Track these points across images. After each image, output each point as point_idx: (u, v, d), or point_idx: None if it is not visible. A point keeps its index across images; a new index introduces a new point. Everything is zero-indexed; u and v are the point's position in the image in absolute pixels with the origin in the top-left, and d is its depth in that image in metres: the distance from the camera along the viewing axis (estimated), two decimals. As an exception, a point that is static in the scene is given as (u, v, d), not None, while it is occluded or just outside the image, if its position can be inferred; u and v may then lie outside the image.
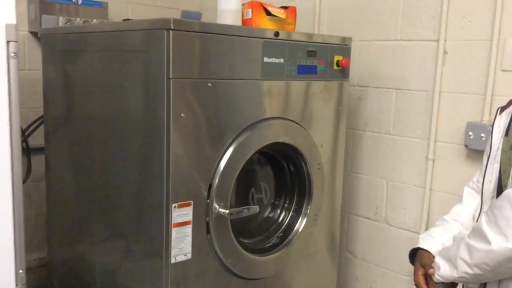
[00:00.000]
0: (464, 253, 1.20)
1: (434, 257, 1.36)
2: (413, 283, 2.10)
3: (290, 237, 1.88)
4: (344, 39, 1.92)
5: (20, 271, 1.07)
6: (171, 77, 1.42)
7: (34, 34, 2.31)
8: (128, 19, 1.82)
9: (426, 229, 2.07)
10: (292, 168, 1.90)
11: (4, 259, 1.03)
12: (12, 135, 1.08)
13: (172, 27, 1.40)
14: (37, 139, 2.19)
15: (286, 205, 1.93)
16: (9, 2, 0.98)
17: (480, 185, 1.39)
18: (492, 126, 1.36)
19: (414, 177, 2.12)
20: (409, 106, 2.11)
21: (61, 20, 2.28)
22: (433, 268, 1.32)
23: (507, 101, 1.38)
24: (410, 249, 1.49)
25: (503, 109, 1.36)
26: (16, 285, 1.07)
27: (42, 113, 2.13)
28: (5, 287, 1.03)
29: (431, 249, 1.38)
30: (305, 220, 1.90)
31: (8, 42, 0.98)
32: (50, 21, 2.24)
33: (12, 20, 1.01)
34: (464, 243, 1.21)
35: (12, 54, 1.01)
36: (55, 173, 2.08)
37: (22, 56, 2.26)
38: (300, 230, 1.89)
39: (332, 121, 1.95)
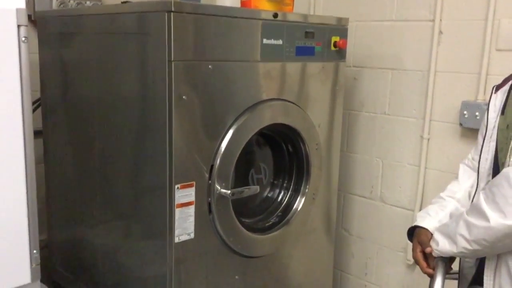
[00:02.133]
0: (463, 229, 1.24)
1: (431, 234, 1.39)
2: (407, 259, 2.17)
3: (289, 216, 1.91)
4: (341, 20, 1.93)
5: (34, 251, 1.09)
6: (172, 59, 1.42)
7: (28, 17, 2.27)
8: (126, 1, 1.81)
9: (421, 206, 2.12)
10: (290, 149, 1.93)
11: (19, 239, 1.05)
12: (24, 120, 1.09)
13: (173, 9, 1.40)
14: (34, 122, 2.18)
15: (285, 185, 1.96)
16: (18, -14, 0.98)
17: (475, 162, 1.42)
18: (488, 104, 1.38)
19: (409, 156, 2.16)
20: (405, 86, 2.13)
21: (55, 3, 2.25)
22: (430, 246, 1.36)
23: (502, 79, 1.40)
24: (404, 226, 1.53)
25: (498, 87, 1.37)
26: (31, 265, 1.09)
27: (38, 96, 2.12)
28: (20, 266, 1.05)
29: (428, 227, 1.41)
30: (303, 199, 1.93)
31: (19, 26, 0.98)
32: (44, 3, 2.21)
33: (22, 4, 1.01)
34: (463, 219, 1.25)
35: (23, 39, 1.01)
36: (53, 156, 2.08)
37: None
38: (298, 209, 1.93)
39: (329, 101, 1.97)
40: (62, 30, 1.93)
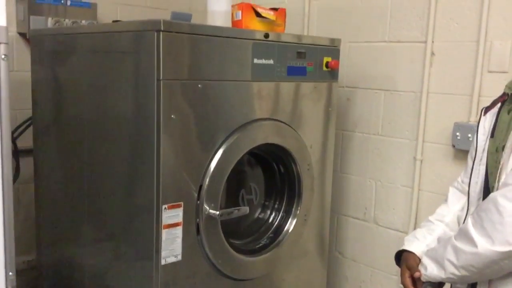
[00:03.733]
0: (451, 255, 1.22)
1: (419, 259, 1.37)
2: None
3: (280, 237, 1.89)
4: (333, 40, 1.93)
5: (10, 273, 1.06)
6: (161, 78, 1.42)
7: (22, 35, 2.29)
8: (117, 20, 1.82)
9: (414, 229, 2.08)
10: (282, 169, 1.91)
11: (-7, 261, 1.02)
12: (2, 138, 1.07)
13: (162, 29, 1.40)
14: (26, 141, 2.18)
15: (276, 206, 1.94)
16: (-1, 4, 0.98)
17: (465, 185, 1.40)
18: (477, 127, 1.37)
19: (403, 177, 2.14)
20: (398, 107, 2.13)
21: (50, 21, 2.27)
22: (419, 271, 1.33)
23: (491, 101, 1.38)
24: (398, 248, 1.50)
25: (487, 109, 1.36)
26: (6, 287, 1.06)
27: (30, 115, 2.12)
28: (-5, 289, 1.03)
29: (416, 251, 1.39)
30: (295, 220, 1.91)
31: (-2, 44, 0.98)
32: (39, 22, 2.23)
33: (2, 22, 1.00)
34: (451, 244, 1.22)
35: (3, 56, 1.00)
36: (44, 175, 2.07)
37: (11, 57, 2.23)
38: (290, 230, 1.90)
39: (321, 122, 1.96)
40: (56, 49, 1.94)
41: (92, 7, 2.39)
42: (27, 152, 2.17)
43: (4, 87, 1.01)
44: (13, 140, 2.15)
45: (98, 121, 1.73)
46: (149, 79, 1.45)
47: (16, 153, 2.16)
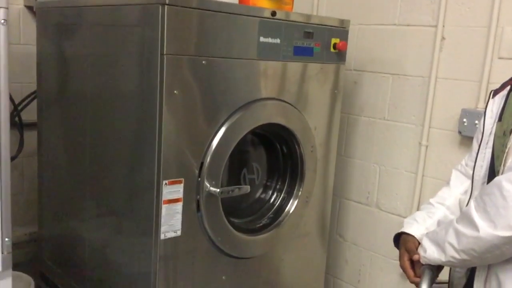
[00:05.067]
0: (452, 238, 1.20)
1: (418, 242, 1.35)
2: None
3: (280, 218, 1.89)
4: (342, 21, 1.90)
5: (6, 239, 1.07)
6: (165, 53, 1.41)
7: (29, 8, 2.28)
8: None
9: (417, 215, 2.08)
10: (285, 150, 1.90)
11: (-11, 227, 1.03)
12: (0, 104, 1.06)
13: (167, 2, 1.38)
14: (30, 114, 2.18)
15: (278, 187, 1.93)
16: (-1, -32, 0.96)
17: (469, 169, 1.38)
18: (485, 110, 1.34)
19: (407, 162, 2.12)
20: (405, 92, 2.10)
21: (57, -6, 2.24)
22: (418, 253, 1.32)
23: (500, 84, 1.34)
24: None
25: (496, 92, 1.33)
26: (2, 252, 1.07)
27: (35, 88, 2.11)
28: (-9, 255, 1.03)
29: (415, 234, 1.38)
30: (296, 202, 1.90)
31: (-3, 8, 0.97)
32: (46, -5, 2.21)
33: (3, -13, 0.99)
34: (453, 227, 1.21)
35: (2, 21, 0.99)
36: (47, 149, 2.07)
37: (17, 30, 2.24)
38: (291, 211, 1.89)
39: (327, 104, 1.94)
40: (62, 22, 1.92)
41: (100, -19, 2.36)
42: (32, 125, 2.17)
43: (3, 53, 1.00)
44: (18, 113, 2.15)
45: (102, 95, 1.72)
46: (153, 53, 1.43)
47: (21, 126, 2.16)
